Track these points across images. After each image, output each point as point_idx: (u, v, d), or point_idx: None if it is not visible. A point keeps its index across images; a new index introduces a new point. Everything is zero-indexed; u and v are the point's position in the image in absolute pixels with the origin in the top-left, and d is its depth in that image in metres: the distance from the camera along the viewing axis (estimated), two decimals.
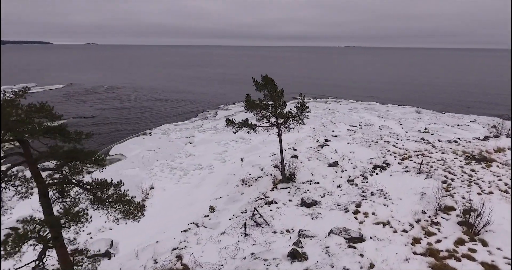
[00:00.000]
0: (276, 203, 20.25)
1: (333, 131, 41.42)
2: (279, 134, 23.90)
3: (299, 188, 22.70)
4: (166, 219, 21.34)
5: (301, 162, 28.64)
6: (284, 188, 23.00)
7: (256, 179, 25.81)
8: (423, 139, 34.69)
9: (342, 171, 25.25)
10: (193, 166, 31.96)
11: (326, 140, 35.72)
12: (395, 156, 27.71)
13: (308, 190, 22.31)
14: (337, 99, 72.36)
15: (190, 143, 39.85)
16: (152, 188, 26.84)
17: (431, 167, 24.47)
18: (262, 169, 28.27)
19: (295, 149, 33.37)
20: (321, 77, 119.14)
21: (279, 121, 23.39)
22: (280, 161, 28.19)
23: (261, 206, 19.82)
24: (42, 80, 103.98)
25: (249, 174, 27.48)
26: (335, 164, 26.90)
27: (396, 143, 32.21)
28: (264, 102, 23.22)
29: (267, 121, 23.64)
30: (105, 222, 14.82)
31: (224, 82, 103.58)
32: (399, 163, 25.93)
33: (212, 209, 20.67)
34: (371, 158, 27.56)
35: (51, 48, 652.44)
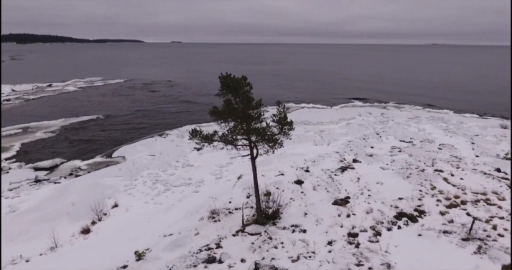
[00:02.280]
0: (221, 262, 13.81)
1: (372, 147, 32.36)
2: (252, 156, 17.21)
3: (270, 238, 15.80)
4: (92, 258, 16.54)
5: (302, 192, 21.35)
6: (252, 234, 16.33)
7: (230, 212, 19.51)
8: (498, 170, 24.01)
9: (348, 216, 17.41)
10: (181, 180, 26.95)
11: (355, 160, 27.34)
12: (438, 199, 18.56)
13: (282, 243, 15.29)
14: (399, 104, 60.64)
15: (198, 149, 35.03)
16: (115, 206, 22.52)
17: (494, 228, 15.14)
18: (248, 197, 21.75)
19: (307, 170, 25.91)
20: (388, 78, 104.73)
21: (252, 139, 16.72)
22: (267, 191, 21.50)
23: (195, 266, 13.60)
24: (109, 74, 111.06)
25: (230, 202, 21.29)
26: (344, 201, 19.05)
27: (452, 175, 22.51)
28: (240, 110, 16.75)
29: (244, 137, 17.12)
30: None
31: (278, 80, 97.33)
32: (441, 213, 16.94)
33: (139, 256, 15.16)
34: (400, 199, 18.93)
35: (141, 46, 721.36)
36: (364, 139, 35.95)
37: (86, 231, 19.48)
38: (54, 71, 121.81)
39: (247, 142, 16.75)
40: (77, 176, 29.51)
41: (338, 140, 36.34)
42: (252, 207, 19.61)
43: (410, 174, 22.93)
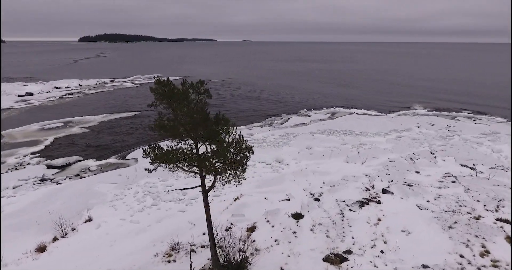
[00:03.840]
0: None
1: (418, 172, 25.27)
2: (203, 189, 13.00)
3: None
4: None
5: (295, 232, 16.38)
6: None
7: (193, 250, 15.58)
8: None
9: None
10: (175, 194, 23.81)
11: (385, 190, 21.07)
12: None
13: None
14: (475, 114, 49.78)
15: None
16: (88, 220, 20.26)
17: None
18: (227, 229, 17.52)
19: (318, 199, 20.59)
20: (467, 82, 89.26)
21: (203, 168, 12.50)
22: (253, 225, 17.10)
23: None
24: (169, 71, 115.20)
25: (203, 234, 17.36)
26: (339, 258, 13.65)
27: None
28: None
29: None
30: None
31: (336, 80, 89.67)
32: None
33: None
34: (424, 267, 12.81)
35: (213, 44, 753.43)
36: (411, 159, 28.73)
37: (41, 249, 17.38)
38: (123, 67, 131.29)
39: (197, 169, 12.58)
40: (82, 177, 28.51)
41: (378, 158, 29.72)
42: (220, 247, 15.36)
43: (456, 222, 16.23)
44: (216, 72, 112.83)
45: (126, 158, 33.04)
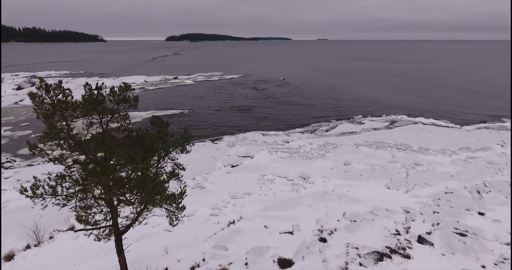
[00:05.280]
0: None
1: (482, 213, 18.42)
2: (115, 230, 9.86)
3: None
4: None
5: None
6: None
7: None
8: None
9: None
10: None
11: (422, 239, 15.33)
12: None
13: None
14: None
15: (233, 166, 28.67)
16: (71, 228, 18.88)
17: None
18: (193, 268, 14.12)
19: (324, 239, 15.90)
20: None
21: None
22: (226, 267, 13.50)
23: None
24: (230, 69, 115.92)
25: (166, 268, 14.30)
26: None
27: None
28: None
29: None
30: None
31: (406, 83, 79.07)
32: None
33: None
34: None
35: (286, 43, 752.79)
36: (478, 192, 21.61)
37: (9, 257, 16.33)
38: (190, 65, 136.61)
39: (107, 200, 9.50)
40: None
41: (431, 185, 23.19)
42: None
43: None
44: (278, 71, 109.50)
45: None
